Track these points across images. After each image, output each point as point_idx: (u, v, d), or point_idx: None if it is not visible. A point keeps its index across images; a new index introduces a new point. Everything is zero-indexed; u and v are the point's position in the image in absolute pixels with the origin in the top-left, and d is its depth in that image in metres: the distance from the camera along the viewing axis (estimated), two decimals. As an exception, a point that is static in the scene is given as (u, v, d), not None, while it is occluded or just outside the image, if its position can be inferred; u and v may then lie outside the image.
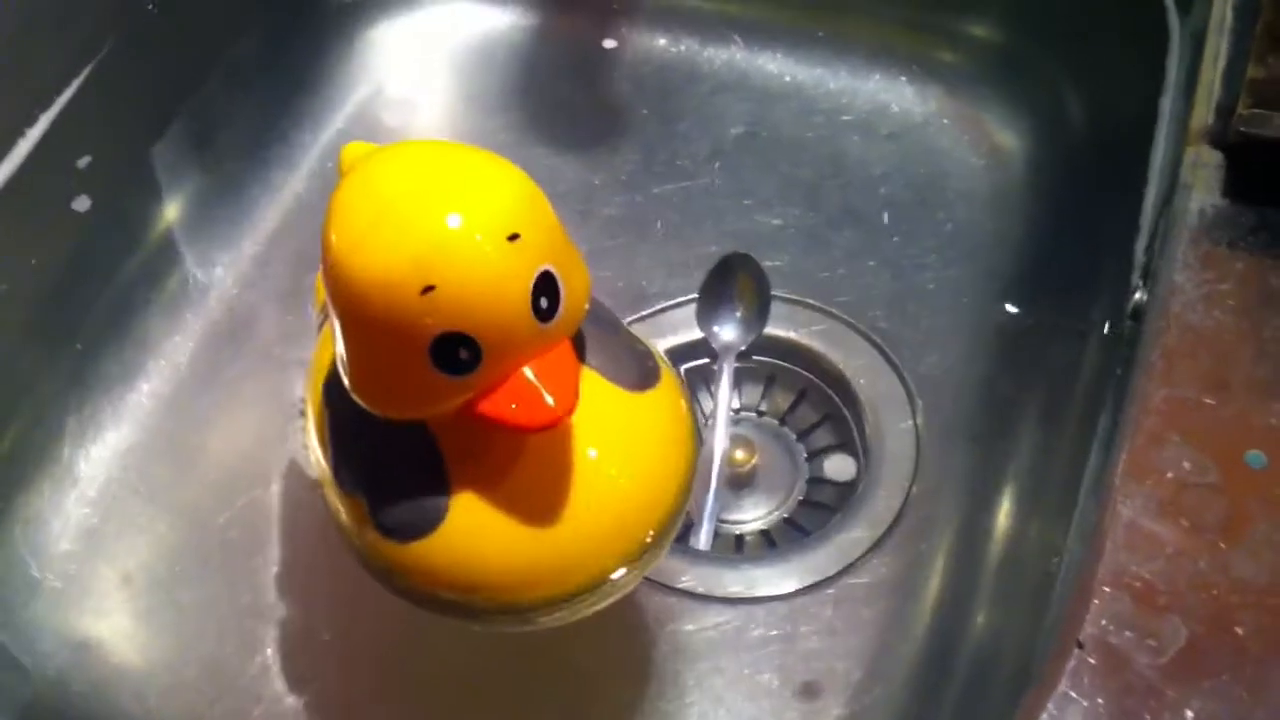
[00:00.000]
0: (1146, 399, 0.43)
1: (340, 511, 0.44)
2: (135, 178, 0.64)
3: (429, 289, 0.35)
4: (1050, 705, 0.37)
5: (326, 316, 0.49)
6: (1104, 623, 0.38)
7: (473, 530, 0.40)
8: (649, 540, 0.42)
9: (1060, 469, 0.55)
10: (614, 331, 0.45)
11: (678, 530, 0.44)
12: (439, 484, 0.40)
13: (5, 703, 0.40)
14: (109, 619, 0.56)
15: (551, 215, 0.38)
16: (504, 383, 0.37)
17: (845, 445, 0.61)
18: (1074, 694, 0.37)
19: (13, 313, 0.59)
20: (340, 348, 0.39)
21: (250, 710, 0.53)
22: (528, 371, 0.37)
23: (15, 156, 0.57)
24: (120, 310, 0.63)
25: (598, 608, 0.43)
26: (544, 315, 0.37)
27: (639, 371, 0.43)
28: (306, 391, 0.47)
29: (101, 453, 0.61)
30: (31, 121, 0.58)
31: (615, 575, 0.42)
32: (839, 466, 0.60)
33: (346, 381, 0.39)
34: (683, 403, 0.45)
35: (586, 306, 0.40)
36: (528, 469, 0.40)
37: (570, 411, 0.37)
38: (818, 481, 0.60)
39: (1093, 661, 0.37)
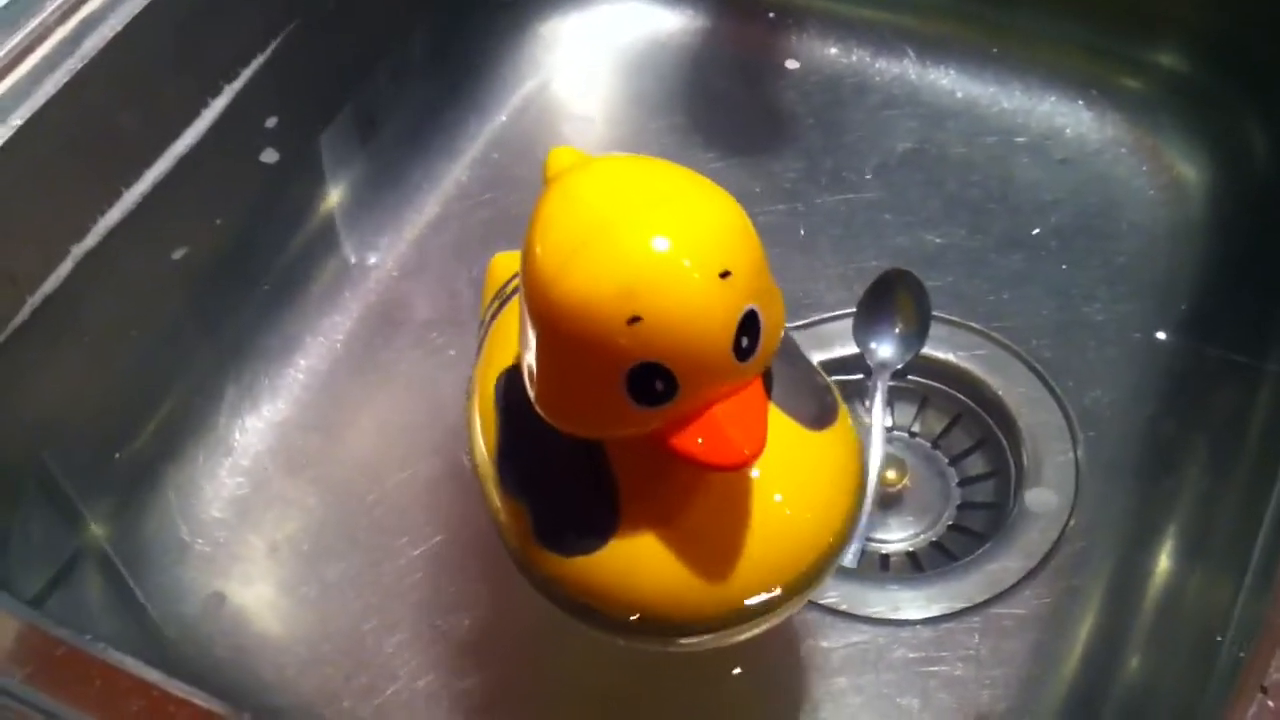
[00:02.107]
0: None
1: (499, 511, 0.44)
2: (305, 159, 0.65)
3: (636, 319, 0.35)
4: (1230, 750, 0.35)
5: (501, 305, 0.49)
6: (1290, 669, 0.36)
7: (636, 555, 0.40)
8: (806, 577, 0.41)
9: (1229, 516, 0.53)
10: (797, 364, 0.44)
11: (834, 569, 0.43)
12: (608, 504, 0.40)
13: (147, 659, 0.41)
14: (254, 587, 0.57)
15: (760, 250, 0.37)
16: (694, 417, 0.37)
17: (1000, 473, 0.59)
18: (1256, 740, 0.35)
19: (186, 279, 0.60)
20: (530, 357, 0.38)
21: (385, 688, 0.53)
22: (720, 410, 0.37)
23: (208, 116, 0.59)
24: (282, 286, 0.64)
25: (743, 637, 0.42)
26: (743, 354, 0.36)
27: (819, 408, 0.43)
28: (474, 381, 0.47)
29: (256, 424, 0.61)
30: (217, 91, 0.59)
31: (768, 609, 0.41)
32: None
33: (532, 392, 0.39)
34: (855, 441, 0.44)
35: (779, 342, 0.39)
36: (700, 502, 0.39)
37: (758, 455, 0.36)
38: (969, 507, 0.59)
39: (1273, 706, 0.36)
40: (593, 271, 0.35)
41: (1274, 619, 0.38)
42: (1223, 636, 0.44)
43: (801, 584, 0.41)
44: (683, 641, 0.42)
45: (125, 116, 0.56)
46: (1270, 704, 0.36)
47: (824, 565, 0.42)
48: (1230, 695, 0.37)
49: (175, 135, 0.58)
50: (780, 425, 0.40)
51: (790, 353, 0.44)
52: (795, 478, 0.41)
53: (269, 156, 0.62)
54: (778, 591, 0.41)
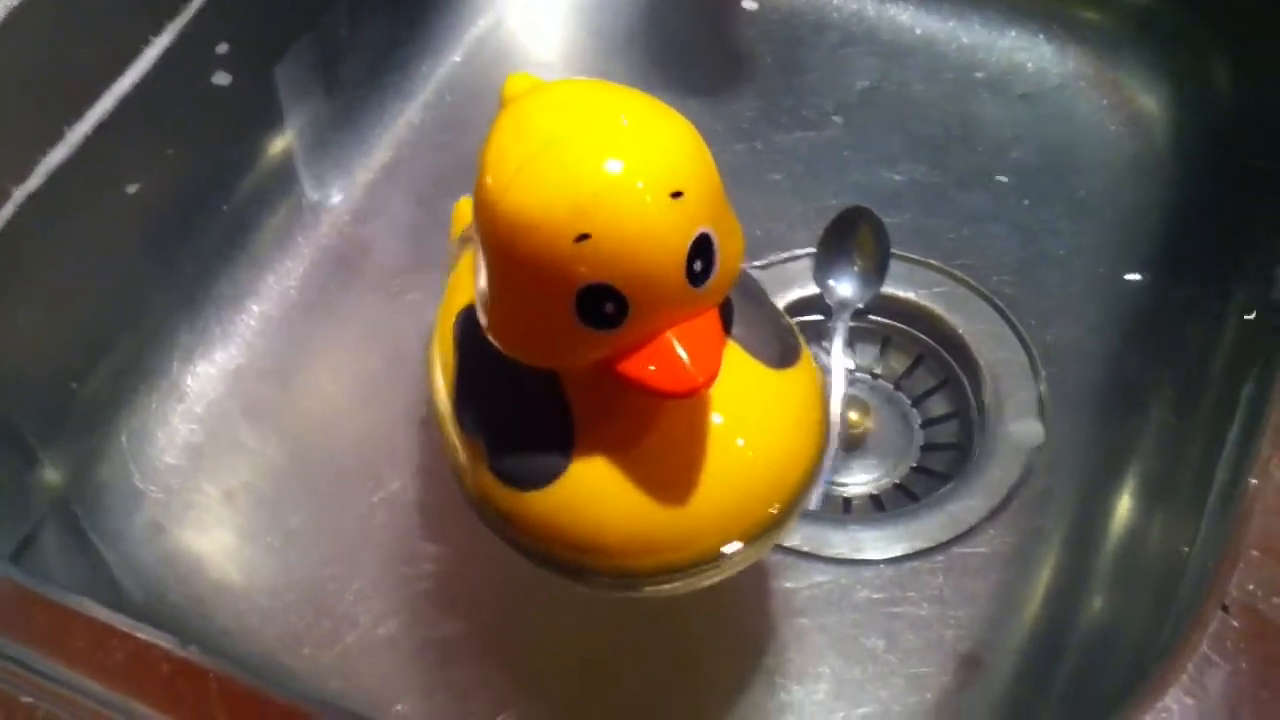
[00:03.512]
0: (1304, 363, 0.41)
1: (457, 450, 0.43)
2: (257, 90, 0.64)
3: (583, 237, 0.34)
4: (1190, 668, 0.35)
5: (464, 246, 0.48)
6: (1251, 587, 0.36)
7: (592, 488, 0.39)
8: (770, 519, 0.40)
9: (1192, 450, 0.53)
10: (760, 304, 0.44)
11: (799, 513, 0.42)
12: (563, 436, 0.39)
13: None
14: (210, 535, 0.56)
15: (715, 174, 0.37)
16: (646, 343, 0.36)
17: (962, 413, 0.59)
18: (1216, 657, 0.35)
19: (138, 219, 0.59)
20: (482, 284, 0.38)
21: (345, 635, 0.53)
22: (672, 336, 0.36)
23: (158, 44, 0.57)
24: (234, 230, 0.63)
25: (708, 583, 0.42)
26: (697, 279, 0.36)
27: (781, 348, 0.42)
28: (436, 322, 0.47)
29: (209, 370, 0.61)
30: (166, 22, 0.58)
31: (731, 553, 0.40)
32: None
33: (484, 320, 0.38)
34: (818, 384, 0.43)
35: (737, 273, 0.38)
36: (656, 433, 0.39)
37: (711, 382, 0.36)
38: (932, 448, 0.58)
39: (1237, 625, 0.36)
40: (539, 185, 0.35)
41: (1235, 539, 0.37)
42: (1184, 567, 0.44)
43: (766, 528, 0.40)
44: (646, 589, 0.41)
45: (72, 48, 0.55)
46: (1233, 622, 0.36)
47: (790, 508, 0.41)
48: (1192, 616, 0.37)
49: (125, 65, 0.56)
50: (741, 363, 0.40)
51: (753, 292, 0.43)
52: (757, 416, 0.40)
53: (221, 79, 0.61)
54: (742, 533, 0.40)
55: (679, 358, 0.36)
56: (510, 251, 0.36)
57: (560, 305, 0.35)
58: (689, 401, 0.38)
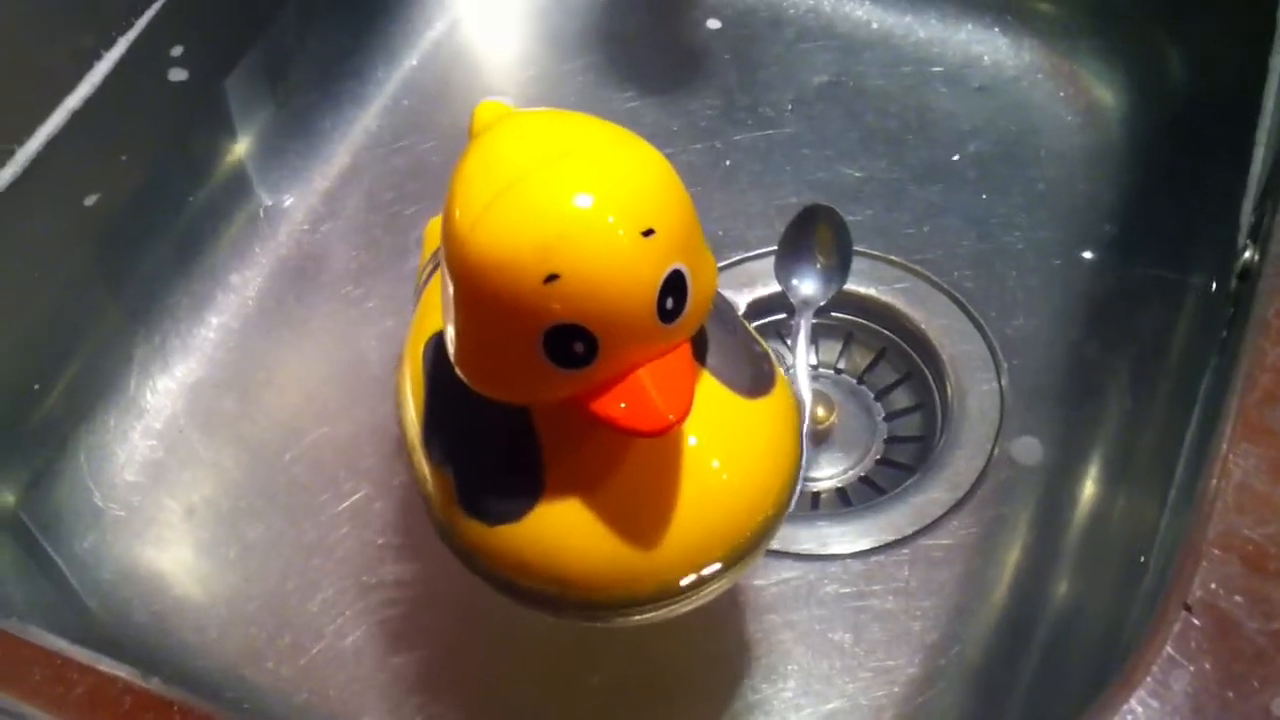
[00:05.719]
0: (1261, 357, 0.41)
1: (426, 481, 0.43)
2: (211, 100, 0.64)
3: (553, 278, 0.33)
4: (1155, 669, 0.35)
5: (435, 267, 0.48)
6: (1213, 586, 0.36)
7: (562, 524, 0.38)
8: (741, 550, 0.40)
9: (1152, 437, 0.54)
10: (733, 329, 0.43)
11: (770, 542, 0.42)
12: (533, 471, 0.39)
13: (62, 628, 0.40)
14: (171, 551, 0.56)
15: (689, 207, 0.36)
16: (617, 381, 0.35)
17: (925, 405, 0.59)
18: (1179, 657, 0.35)
19: (93, 231, 0.58)
20: (450, 317, 0.37)
21: (310, 647, 0.52)
22: (643, 374, 0.35)
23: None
24: (191, 240, 0.62)
25: (679, 613, 0.41)
26: (668, 316, 0.35)
27: (754, 375, 0.41)
28: (405, 348, 0.46)
29: (168, 385, 0.60)
30: (110, 44, 0.57)
31: (702, 585, 0.40)
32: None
33: (451, 353, 0.38)
34: (793, 411, 0.42)
35: (710, 306, 0.38)
36: (627, 468, 0.38)
37: (683, 419, 0.35)
38: (896, 441, 0.58)
39: (1199, 624, 0.36)
40: (508, 225, 0.34)
41: (1196, 537, 0.37)
42: (1147, 557, 0.44)
43: (739, 555, 0.40)
44: (616, 620, 0.41)
45: (24, 63, 0.54)
46: (1195, 621, 0.36)
47: (763, 535, 0.40)
48: (1155, 615, 0.37)
49: (78, 79, 0.56)
50: (714, 393, 0.39)
51: (726, 318, 0.43)
52: (731, 446, 0.39)
53: (178, 75, 0.60)
54: (715, 564, 0.39)
55: (650, 396, 0.35)
56: (478, 290, 0.35)
57: (528, 344, 0.35)
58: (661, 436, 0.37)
